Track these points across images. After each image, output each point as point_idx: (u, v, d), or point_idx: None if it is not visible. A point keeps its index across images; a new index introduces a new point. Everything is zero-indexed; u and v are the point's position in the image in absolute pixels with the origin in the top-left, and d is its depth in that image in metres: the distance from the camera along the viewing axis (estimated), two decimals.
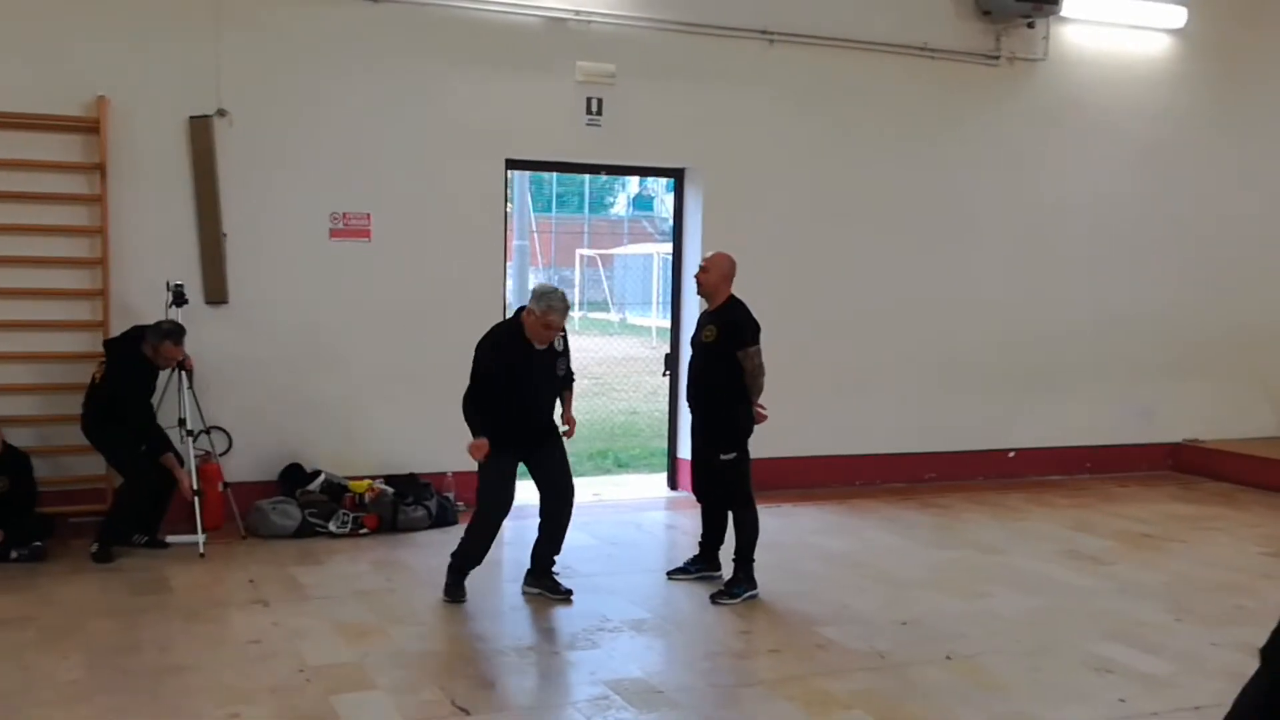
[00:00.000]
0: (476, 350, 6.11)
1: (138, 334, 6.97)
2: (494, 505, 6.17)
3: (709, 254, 6.64)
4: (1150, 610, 6.30)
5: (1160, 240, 10.41)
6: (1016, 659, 5.48)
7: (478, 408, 6.03)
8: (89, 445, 7.02)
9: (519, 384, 6.02)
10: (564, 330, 6.13)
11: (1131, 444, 10.54)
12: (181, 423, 7.07)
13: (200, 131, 7.55)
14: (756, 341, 6.30)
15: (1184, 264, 10.53)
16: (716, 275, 6.43)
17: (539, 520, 6.35)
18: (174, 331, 6.97)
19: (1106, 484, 9.99)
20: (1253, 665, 5.51)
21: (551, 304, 5.93)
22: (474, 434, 6.03)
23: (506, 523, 6.22)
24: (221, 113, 7.58)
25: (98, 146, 7.31)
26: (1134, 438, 10.55)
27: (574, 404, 6.41)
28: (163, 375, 7.12)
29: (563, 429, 6.30)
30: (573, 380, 6.40)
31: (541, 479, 6.32)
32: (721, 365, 6.32)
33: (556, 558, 6.36)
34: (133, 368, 6.91)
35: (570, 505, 6.30)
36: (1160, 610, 6.31)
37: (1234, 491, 9.81)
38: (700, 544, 6.75)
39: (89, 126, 7.31)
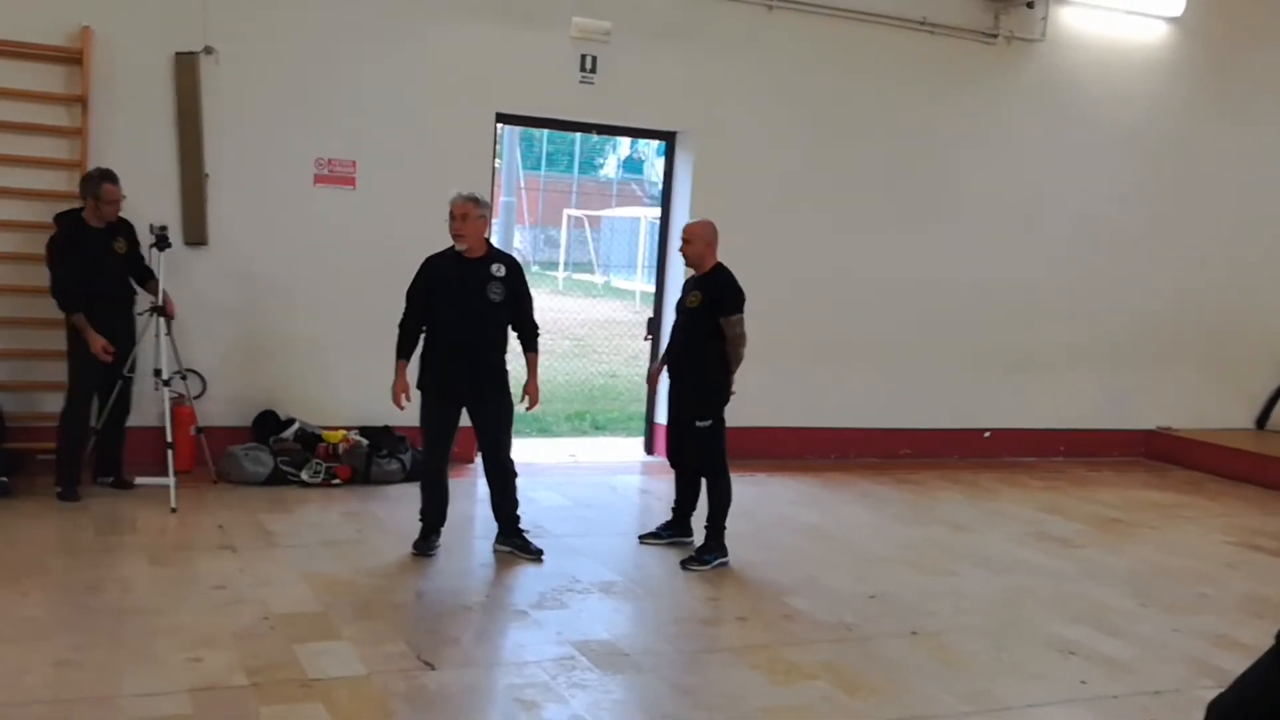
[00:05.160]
0: None
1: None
2: (429, 457, 6.25)
3: (689, 224, 6.59)
4: (1116, 595, 6.35)
5: (1145, 228, 10.41)
6: (981, 637, 5.51)
7: (404, 331, 6.14)
8: (60, 382, 6.90)
9: (445, 300, 6.02)
10: (475, 215, 6.02)
11: (1105, 429, 10.60)
12: (157, 373, 6.93)
13: (186, 68, 7.42)
14: (740, 310, 6.29)
15: (1168, 253, 10.53)
16: (700, 244, 6.41)
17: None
18: (107, 172, 6.68)
19: (1079, 468, 10.04)
20: (1214, 654, 5.57)
21: (451, 197, 6.06)
22: (396, 356, 6.09)
23: (481, 479, 6.18)
24: (209, 50, 7.45)
25: (80, 78, 7.17)
26: (1108, 423, 10.60)
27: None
28: (140, 321, 6.96)
29: (523, 401, 6.24)
30: (536, 334, 6.32)
31: (479, 438, 6.34)
32: (703, 330, 6.31)
33: (521, 514, 6.33)
34: (64, 231, 6.64)
35: (502, 467, 6.22)
36: (1125, 595, 6.36)
37: (1204, 480, 9.89)
38: (673, 509, 6.76)
39: (71, 57, 7.17)
